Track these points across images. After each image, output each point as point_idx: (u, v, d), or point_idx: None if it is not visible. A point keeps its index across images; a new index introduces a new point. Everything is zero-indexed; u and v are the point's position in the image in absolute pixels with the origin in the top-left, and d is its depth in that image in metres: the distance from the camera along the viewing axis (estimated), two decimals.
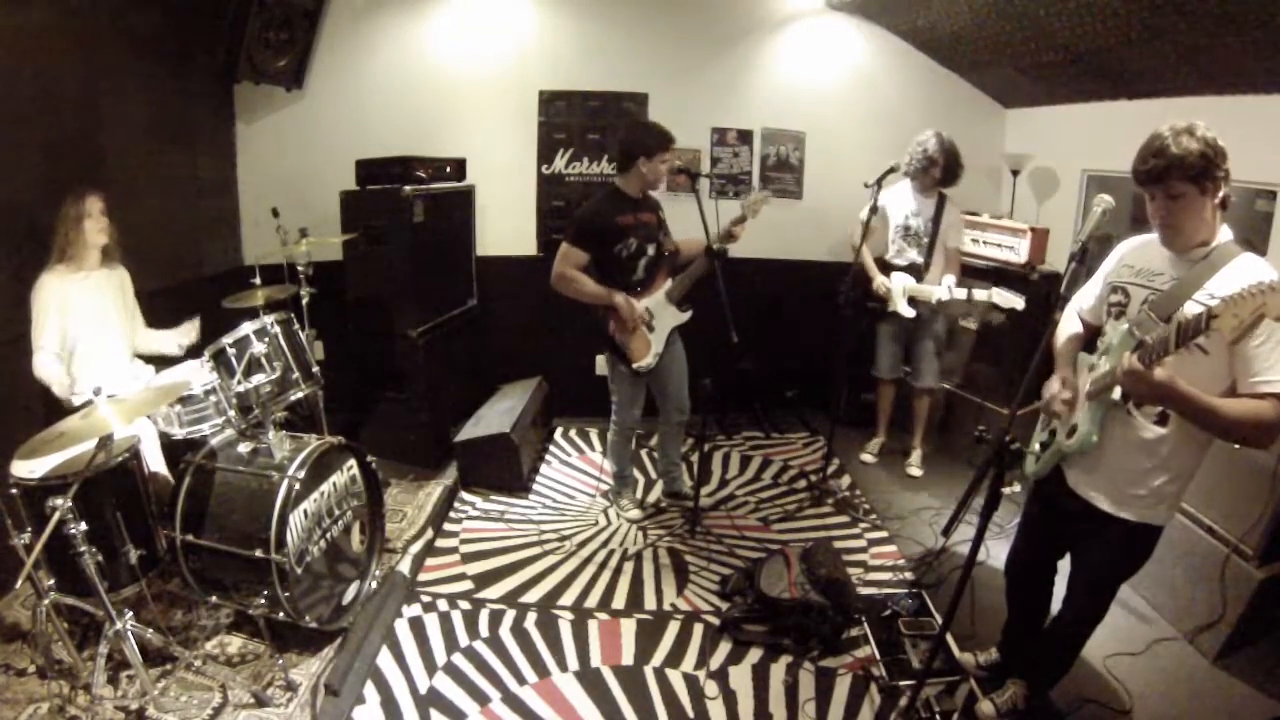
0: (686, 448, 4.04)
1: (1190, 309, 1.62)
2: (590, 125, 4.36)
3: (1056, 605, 2.25)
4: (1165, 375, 1.59)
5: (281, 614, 2.33)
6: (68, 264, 2.61)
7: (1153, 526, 1.88)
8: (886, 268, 3.82)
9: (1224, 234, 1.73)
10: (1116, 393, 1.80)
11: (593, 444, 4.29)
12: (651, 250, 3.15)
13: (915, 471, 3.97)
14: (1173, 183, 1.64)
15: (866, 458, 4.15)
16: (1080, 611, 2.10)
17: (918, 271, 3.74)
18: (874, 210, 3.49)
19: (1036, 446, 2.10)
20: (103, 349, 2.69)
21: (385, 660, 2.48)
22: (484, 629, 2.68)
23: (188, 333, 2.93)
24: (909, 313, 3.71)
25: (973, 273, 3.95)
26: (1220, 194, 1.66)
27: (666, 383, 3.33)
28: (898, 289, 3.73)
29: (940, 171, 3.60)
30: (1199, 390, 1.60)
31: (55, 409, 2.39)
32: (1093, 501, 1.92)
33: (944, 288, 3.53)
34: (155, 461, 2.61)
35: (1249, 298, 1.36)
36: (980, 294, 3.47)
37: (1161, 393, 1.62)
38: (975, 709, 2.29)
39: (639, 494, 3.71)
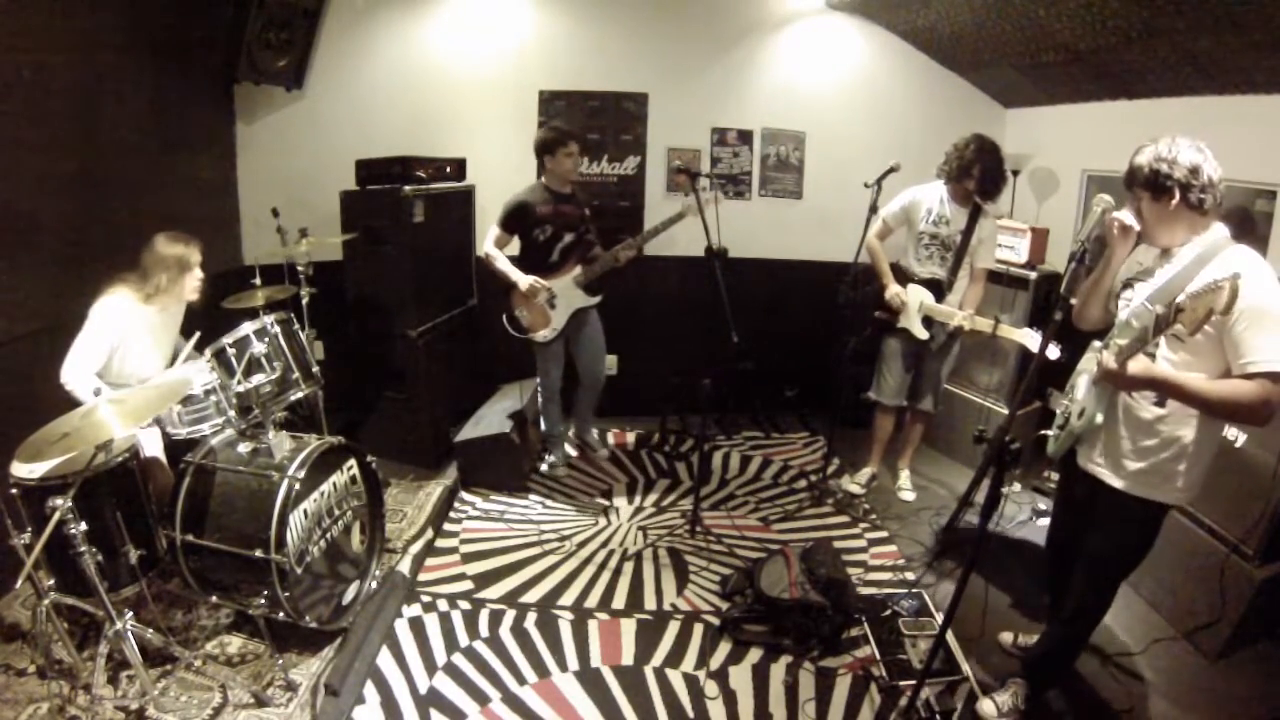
0: (686, 447, 4.26)
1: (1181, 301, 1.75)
2: (590, 125, 4.35)
3: None
4: (1139, 367, 1.77)
5: (281, 614, 2.33)
6: (147, 305, 2.56)
7: (1153, 503, 1.94)
8: (904, 276, 3.48)
9: (1216, 230, 1.86)
10: None
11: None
12: (568, 238, 3.53)
13: (908, 495, 3.74)
14: (1133, 189, 1.89)
15: (853, 488, 3.75)
16: (1081, 603, 2.12)
17: (939, 289, 3.38)
18: (874, 209, 3.40)
19: (1055, 429, 2.20)
20: (140, 373, 2.64)
21: (385, 660, 2.48)
22: (484, 629, 2.68)
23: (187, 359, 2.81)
24: (923, 334, 3.38)
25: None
26: (1174, 202, 1.81)
27: (580, 357, 3.80)
28: (913, 304, 3.39)
29: (976, 183, 3.21)
30: (1182, 375, 1.76)
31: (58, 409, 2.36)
32: (1100, 477, 2.00)
33: (962, 314, 3.17)
34: (153, 448, 2.60)
35: (1204, 294, 1.50)
36: (1010, 333, 3.06)
37: (1142, 383, 1.81)
38: (976, 708, 2.29)
39: (638, 494, 3.73)
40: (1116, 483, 1.96)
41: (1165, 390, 1.79)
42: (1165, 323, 1.63)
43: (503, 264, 3.50)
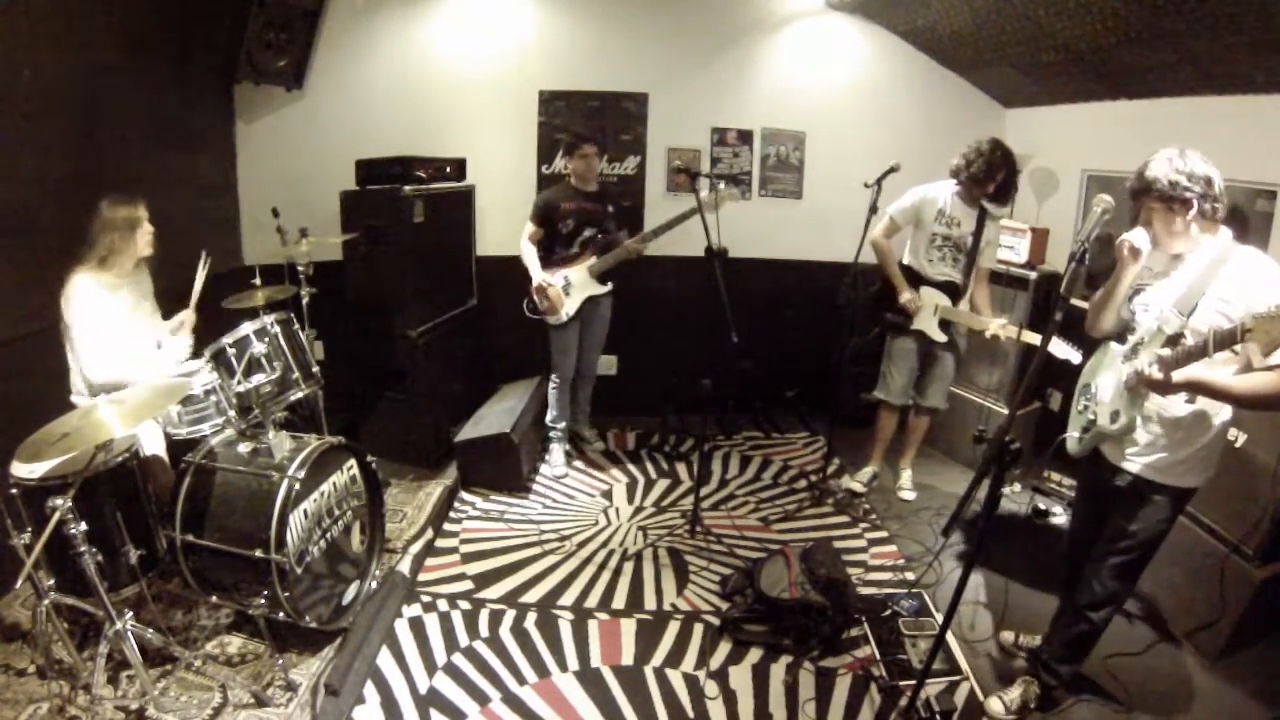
0: (686, 447, 4.27)
1: (1205, 305, 1.86)
2: (590, 125, 4.33)
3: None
4: (1182, 376, 1.85)
5: (281, 614, 2.33)
6: (104, 272, 2.53)
7: (1182, 488, 2.04)
8: (914, 276, 3.48)
9: (1223, 233, 1.94)
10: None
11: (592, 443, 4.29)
12: (588, 232, 3.75)
13: (908, 495, 3.73)
14: (1145, 201, 1.94)
15: (855, 486, 3.76)
16: (1106, 590, 2.15)
17: (955, 291, 3.40)
18: (874, 209, 3.37)
19: (1077, 432, 2.25)
20: (142, 344, 2.64)
21: (385, 660, 2.48)
22: (484, 629, 2.68)
23: (177, 327, 2.85)
24: (941, 337, 3.41)
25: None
26: (1191, 212, 1.88)
27: (583, 345, 3.93)
28: (929, 307, 3.41)
29: (997, 187, 3.24)
30: (1215, 375, 1.84)
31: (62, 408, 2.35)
32: (1136, 471, 2.06)
33: (998, 323, 3.17)
34: (155, 445, 2.59)
35: (1275, 318, 1.55)
36: (1034, 340, 3.06)
37: (1184, 390, 1.89)
38: (985, 705, 2.30)
39: (639, 493, 3.73)
40: (1151, 475, 2.04)
41: (1201, 391, 1.88)
42: (1229, 341, 1.69)
43: (528, 259, 3.74)
